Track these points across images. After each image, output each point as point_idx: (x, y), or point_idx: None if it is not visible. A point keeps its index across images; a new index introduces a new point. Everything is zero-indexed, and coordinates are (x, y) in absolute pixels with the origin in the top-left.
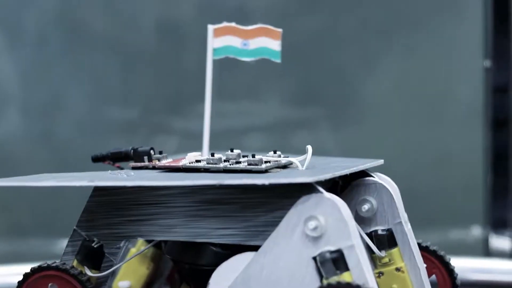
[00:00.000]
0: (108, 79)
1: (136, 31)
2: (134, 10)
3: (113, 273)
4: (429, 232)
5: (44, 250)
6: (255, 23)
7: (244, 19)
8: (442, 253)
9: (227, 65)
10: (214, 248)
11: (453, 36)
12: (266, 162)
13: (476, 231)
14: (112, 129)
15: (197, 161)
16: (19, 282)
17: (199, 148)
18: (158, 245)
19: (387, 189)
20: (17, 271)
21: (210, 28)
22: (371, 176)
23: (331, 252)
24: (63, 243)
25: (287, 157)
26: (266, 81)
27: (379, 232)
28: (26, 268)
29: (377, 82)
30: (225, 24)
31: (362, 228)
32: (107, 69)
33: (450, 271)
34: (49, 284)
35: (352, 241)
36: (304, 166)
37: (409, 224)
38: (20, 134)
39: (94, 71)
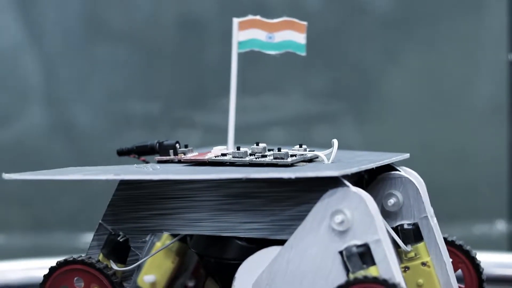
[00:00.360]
0: (130, 74)
1: (157, 26)
2: (156, 4)
3: (139, 267)
4: (453, 227)
5: (67, 244)
6: (277, 17)
7: (265, 15)
8: (468, 247)
9: (250, 59)
10: (240, 242)
11: (476, 29)
12: (292, 155)
13: (501, 226)
14: (134, 123)
15: (223, 154)
16: (45, 276)
17: (221, 142)
18: (183, 239)
19: (413, 183)
20: (42, 265)
21: (235, 21)
22: (397, 170)
23: (358, 246)
24: (86, 237)
25: (313, 151)
26: (288, 75)
27: (405, 226)
28: (51, 262)
29: (400, 76)
30: (250, 17)
31: (388, 222)
32: (129, 63)
33: (476, 265)
34: (75, 278)
35: (379, 235)
36: (330, 160)
37: (435, 219)
38: (43, 128)
39: (116, 65)
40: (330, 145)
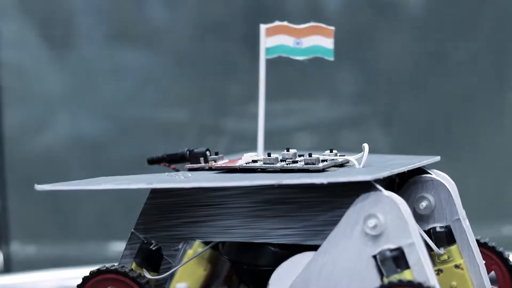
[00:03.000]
0: (156, 82)
1: (183, 32)
2: (181, 9)
3: (171, 275)
4: (481, 228)
5: (97, 253)
6: (304, 22)
7: (292, 20)
8: (501, 249)
9: (275, 64)
10: (273, 248)
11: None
12: (323, 161)
13: None
14: (161, 131)
15: (254, 161)
16: (78, 285)
17: (249, 148)
18: (215, 246)
19: (444, 185)
20: (74, 274)
21: (263, 27)
22: (429, 173)
23: (391, 250)
24: (116, 246)
25: (344, 155)
26: (314, 80)
27: (437, 229)
28: (83, 271)
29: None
30: (277, 23)
31: (420, 226)
32: (155, 71)
33: (509, 267)
34: (108, 287)
35: (412, 239)
36: (361, 164)
37: (467, 221)
38: (70, 137)
39: (142, 73)
40: (358, 150)
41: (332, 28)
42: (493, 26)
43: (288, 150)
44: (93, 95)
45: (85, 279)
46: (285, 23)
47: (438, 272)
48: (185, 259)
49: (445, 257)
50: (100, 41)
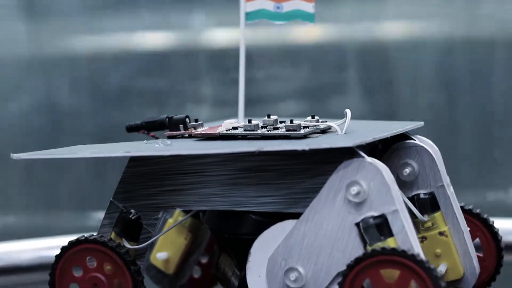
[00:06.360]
0: (136, 48)
1: None
2: None
3: (151, 245)
4: (466, 194)
5: (75, 223)
6: None
7: None
8: (485, 216)
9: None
10: (254, 217)
11: None
12: (304, 127)
13: None
14: (141, 99)
15: (234, 128)
16: (56, 256)
17: (230, 115)
18: (196, 215)
19: (428, 151)
20: (52, 244)
21: None
22: (412, 139)
23: (375, 217)
24: (94, 215)
25: (326, 121)
26: (296, 46)
27: (421, 196)
28: (61, 241)
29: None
30: None
31: (404, 192)
32: (134, 38)
33: (494, 233)
34: (87, 258)
35: (396, 206)
36: (344, 131)
37: (451, 187)
38: (46, 105)
39: (121, 41)
40: (340, 116)
41: None
42: None
43: (269, 117)
44: (70, 63)
45: (64, 249)
46: None
47: (422, 239)
48: (165, 228)
49: (429, 224)
50: (79, 7)
